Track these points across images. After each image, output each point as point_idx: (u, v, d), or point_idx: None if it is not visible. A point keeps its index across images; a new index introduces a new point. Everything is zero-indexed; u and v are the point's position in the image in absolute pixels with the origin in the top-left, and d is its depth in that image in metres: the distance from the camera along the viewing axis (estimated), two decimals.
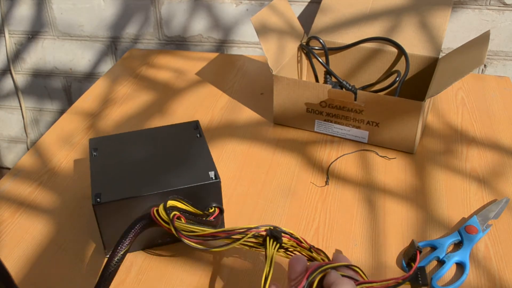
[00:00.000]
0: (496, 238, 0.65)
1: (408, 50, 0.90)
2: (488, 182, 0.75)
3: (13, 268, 0.62)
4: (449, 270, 0.61)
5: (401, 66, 0.91)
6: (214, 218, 0.61)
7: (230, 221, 0.68)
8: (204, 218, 0.60)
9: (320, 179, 0.76)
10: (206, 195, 0.61)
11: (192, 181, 0.61)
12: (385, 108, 0.78)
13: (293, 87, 0.84)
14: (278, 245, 0.50)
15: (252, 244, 0.53)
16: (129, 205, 0.59)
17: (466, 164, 0.78)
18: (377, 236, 0.66)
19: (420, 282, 0.53)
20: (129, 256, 0.64)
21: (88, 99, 0.99)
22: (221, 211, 0.63)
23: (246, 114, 0.93)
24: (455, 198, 0.72)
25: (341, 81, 0.87)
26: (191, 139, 0.69)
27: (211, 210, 0.62)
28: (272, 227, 0.51)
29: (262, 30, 0.85)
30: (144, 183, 0.61)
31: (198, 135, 0.70)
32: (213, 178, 0.61)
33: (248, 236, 0.52)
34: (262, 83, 1.03)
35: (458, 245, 0.64)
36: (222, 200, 0.63)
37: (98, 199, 0.59)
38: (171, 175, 0.62)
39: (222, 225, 0.65)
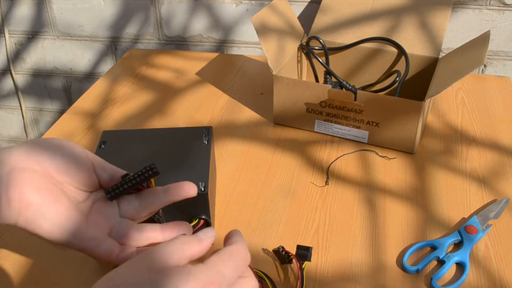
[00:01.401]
0: (496, 238, 0.65)
1: (408, 50, 0.90)
2: (488, 182, 0.75)
3: (13, 268, 0.62)
4: (449, 270, 0.61)
5: (401, 66, 0.91)
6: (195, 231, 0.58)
7: (231, 221, 0.69)
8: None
9: (320, 179, 0.76)
10: (191, 206, 0.59)
11: None
12: (385, 108, 0.78)
13: (293, 87, 0.84)
14: None
15: None
16: None
17: (466, 164, 0.78)
18: (377, 236, 0.66)
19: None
20: None
21: (88, 99, 0.99)
22: (207, 224, 0.60)
23: (246, 114, 0.93)
24: (455, 198, 0.72)
25: (341, 81, 0.87)
26: (197, 145, 0.67)
27: (194, 222, 0.60)
28: None
29: (262, 30, 0.85)
30: None
31: (206, 142, 0.68)
32: (202, 189, 0.59)
33: None
34: (262, 83, 1.03)
35: (458, 245, 0.64)
36: (209, 212, 0.60)
37: None
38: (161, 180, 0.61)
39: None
